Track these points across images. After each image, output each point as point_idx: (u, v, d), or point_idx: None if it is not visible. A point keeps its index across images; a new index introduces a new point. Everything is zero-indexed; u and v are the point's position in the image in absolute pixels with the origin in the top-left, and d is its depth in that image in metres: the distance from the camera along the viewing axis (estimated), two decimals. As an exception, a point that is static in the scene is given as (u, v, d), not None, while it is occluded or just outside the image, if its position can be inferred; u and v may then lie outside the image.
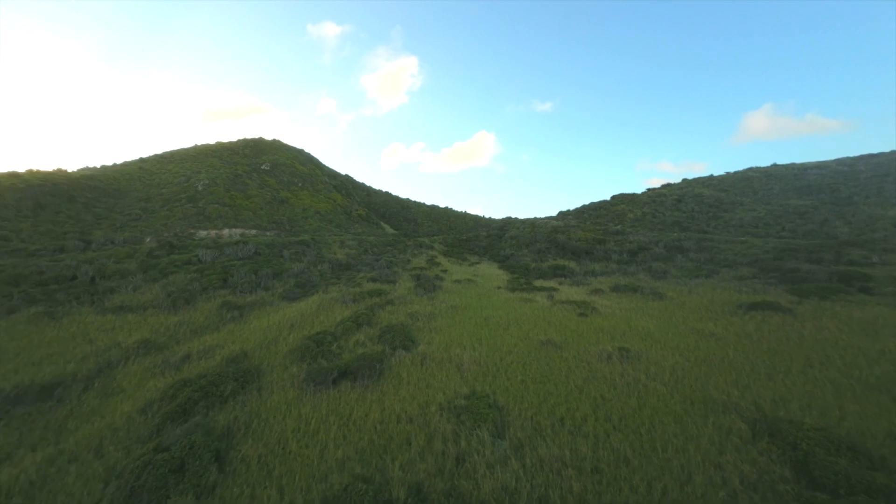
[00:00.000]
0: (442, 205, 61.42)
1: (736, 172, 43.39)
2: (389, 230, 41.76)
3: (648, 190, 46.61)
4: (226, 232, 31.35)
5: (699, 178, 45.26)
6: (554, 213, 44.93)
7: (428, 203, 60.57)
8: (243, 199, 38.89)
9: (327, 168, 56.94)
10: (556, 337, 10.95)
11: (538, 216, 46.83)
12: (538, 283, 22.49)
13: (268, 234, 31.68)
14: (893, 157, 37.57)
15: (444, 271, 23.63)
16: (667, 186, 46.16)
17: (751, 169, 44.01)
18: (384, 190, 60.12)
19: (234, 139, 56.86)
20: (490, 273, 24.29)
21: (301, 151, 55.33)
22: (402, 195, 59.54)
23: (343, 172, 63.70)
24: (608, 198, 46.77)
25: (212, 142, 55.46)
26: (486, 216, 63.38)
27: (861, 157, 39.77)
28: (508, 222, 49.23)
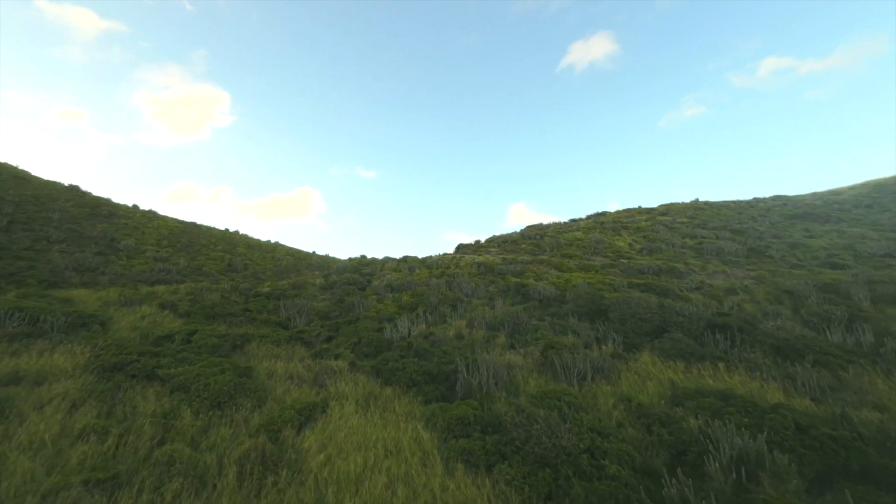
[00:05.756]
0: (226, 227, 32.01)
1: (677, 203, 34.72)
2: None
3: (587, 217, 32.82)
4: None
5: (640, 208, 34.54)
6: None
7: (187, 219, 30.00)
8: None
9: None
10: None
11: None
12: None
13: None
14: (787, 200, 35.64)
15: None
16: (600, 214, 33.40)
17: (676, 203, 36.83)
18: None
19: None
20: None
21: None
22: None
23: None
24: (516, 230, 30.00)
25: None
26: (321, 252, 37.39)
27: (766, 199, 37.53)
28: (368, 263, 26.26)
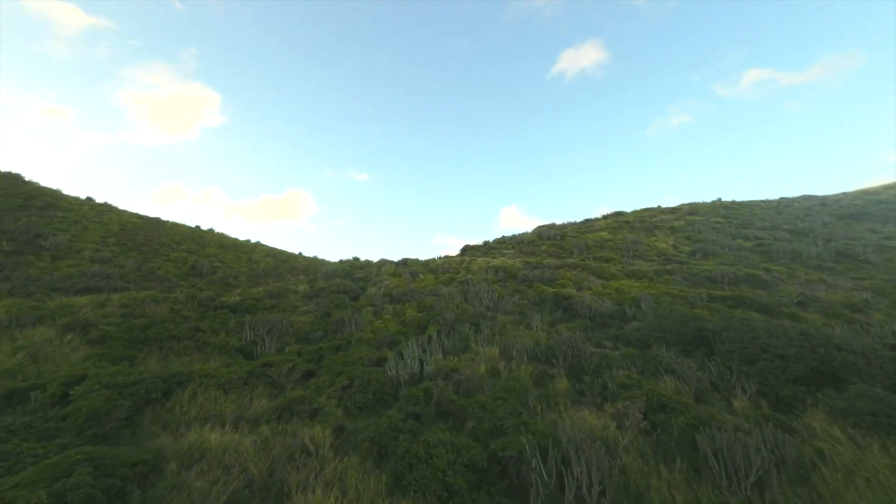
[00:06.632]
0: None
1: (707, 202, 31.96)
2: None
3: (604, 217, 29.92)
4: None
5: (659, 208, 31.77)
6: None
7: (151, 214, 25.52)
8: None
9: None
10: None
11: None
12: None
13: None
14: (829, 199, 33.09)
15: None
16: (618, 214, 30.52)
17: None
18: None
19: None
20: None
21: None
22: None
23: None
24: (523, 232, 26.90)
25: None
26: (309, 254, 33.85)
27: (796, 198, 34.83)
28: (361, 266, 23.36)
